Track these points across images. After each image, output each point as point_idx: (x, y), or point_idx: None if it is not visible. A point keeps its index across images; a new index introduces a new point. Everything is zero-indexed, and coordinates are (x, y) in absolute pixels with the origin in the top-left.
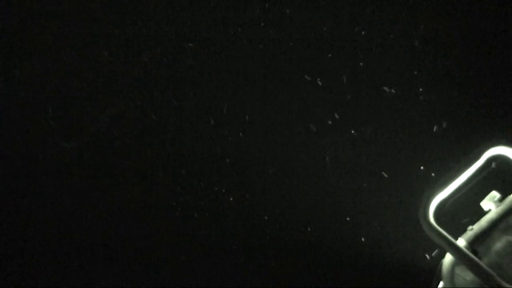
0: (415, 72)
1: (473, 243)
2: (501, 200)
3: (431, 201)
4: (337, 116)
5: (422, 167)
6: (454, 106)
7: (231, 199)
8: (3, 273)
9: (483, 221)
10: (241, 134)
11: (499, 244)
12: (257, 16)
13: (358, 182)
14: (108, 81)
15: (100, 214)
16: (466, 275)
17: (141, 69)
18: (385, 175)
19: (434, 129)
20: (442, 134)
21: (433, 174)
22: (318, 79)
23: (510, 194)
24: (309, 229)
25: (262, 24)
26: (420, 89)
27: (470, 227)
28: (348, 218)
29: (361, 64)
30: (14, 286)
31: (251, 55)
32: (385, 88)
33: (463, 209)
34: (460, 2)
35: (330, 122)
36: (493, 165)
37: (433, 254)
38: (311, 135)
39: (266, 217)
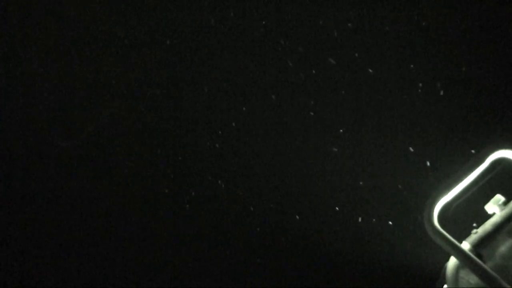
0: (412, 66)
1: (477, 246)
2: (505, 203)
3: (435, 205)
4: (334, 112)
5: (423, 163)
6: (456, 105)
7: (223, 186)
8: (2, 272)
9: (488, 225)
10: (234, 124)
11: (503, 248)
12: (254, 14)
13: (356, 178)
14: (107, 81)
15: (98, 210)
16: (470, 278)
17: (141, 69)
18: (384, 173)
19: (434, 127)
20: (442, 132)
21: (428, 163)
22: (314, 71)
23: None
24: (297, 217)
25: (260, 22)
26: (420, 84)
27: (474, 230)
28: (339, 210)
29: (356, 55)
30: (13, 286)
31: (250, 53)
32: (384, 85)
33: (467, 212)
34: (461, 1)
35: (326, 116)
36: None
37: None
38: (308, 131)
39: (251, 208)
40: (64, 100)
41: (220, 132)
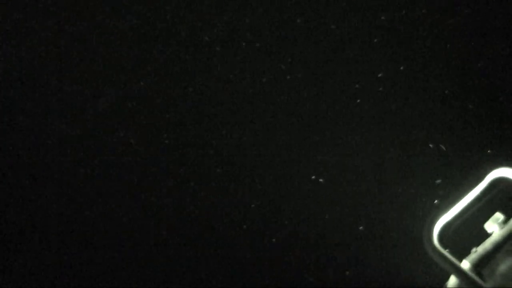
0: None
1: (477, 265)
2: (505, 222)
3: (435, 224)
4: (337, 124)
5: (423, 179)
6: (454, 122)
7: (225, 185)
8: (2, 270)
9: (487, 243)
10: (236, 125)
11: (503, 266)
12: (255, 16)
13: (356, 192)
14: (103, 68)
15: (97, 198)
16: None
17: (138, 57)
18: (383, 186)
19: (431, 145)
20: (440, 150)
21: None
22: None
23: None
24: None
25: (262, 24)
26: (419, 97)
27: (474, 249)
28: (340, 219)
29: (359, 65)
30: (12, 286)
31: (250, 53)
32: (386, 101)
33: (466, 230)
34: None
35: (325, 123)
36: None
37: None
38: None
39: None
40: (62, 87)
41: (222, 125)
